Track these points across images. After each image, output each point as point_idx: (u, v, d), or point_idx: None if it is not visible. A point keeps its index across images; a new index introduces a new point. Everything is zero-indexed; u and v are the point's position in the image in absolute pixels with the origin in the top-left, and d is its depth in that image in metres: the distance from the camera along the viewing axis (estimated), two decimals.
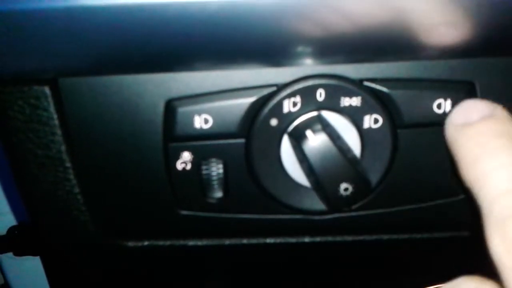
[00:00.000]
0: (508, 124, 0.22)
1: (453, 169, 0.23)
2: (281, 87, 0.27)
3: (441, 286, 0.22)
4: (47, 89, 0.28)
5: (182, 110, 0.27)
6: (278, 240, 0.33)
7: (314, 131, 0.27)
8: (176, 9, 0.23)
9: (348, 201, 0.29)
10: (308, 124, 0.28)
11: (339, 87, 0.27)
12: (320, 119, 0.28)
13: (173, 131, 0.28)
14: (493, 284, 0.20)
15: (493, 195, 0.20)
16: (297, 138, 0.28)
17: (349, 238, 0.32)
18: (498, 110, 0.23)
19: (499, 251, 0.19)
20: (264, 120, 0.28)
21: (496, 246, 0.19)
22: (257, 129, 0.28)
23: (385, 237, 0.33)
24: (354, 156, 0.28)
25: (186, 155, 0.29)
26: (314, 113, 0.28)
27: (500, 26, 0.25)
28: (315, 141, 0.27)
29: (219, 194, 0.30)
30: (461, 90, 0.28)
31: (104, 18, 0.23)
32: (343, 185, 0.28)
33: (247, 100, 0.27)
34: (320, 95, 0.27)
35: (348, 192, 0.28)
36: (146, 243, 0.33)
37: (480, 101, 0.24)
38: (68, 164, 0.30)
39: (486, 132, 0.22)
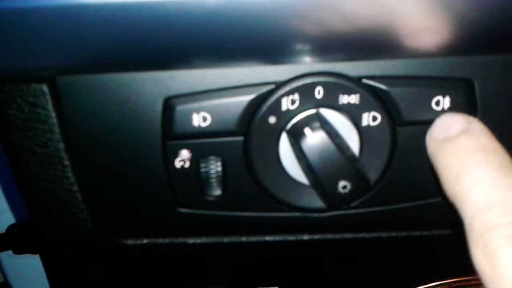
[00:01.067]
0: (484, 138, 0.23)
1: (436, 182, 0.24)
2: (279, 84, 0.27)
3: None
4: (45, 87, 0.28)
5: (181, 108, 0.27)
6: (277, 237, 0.33)
7: (312, 129, 0.27)
8: (174, 7, 0.23)
9: (346, 199, 0.29)
10: (306, 122, 0.28)
11: (337, 84, 0.27)
12: (318, 117, 0.28)
13: (171, 129, 0.28)
14: None
15: (473, 211, 0.21)
16: (296, 136, 0.28)
17: (347, 235, 0.32)
18: (475, 124, 0.24)
19: (481, 264, 0.20)
20: (263, 118, 0.28)
21: (478, 259, 0.20)
22: (255, 127, 0.28)
23: (384, 234, 0.33)
24: (352, 154, 0.28)
25: (185, 153, 0.29)
26: (313, 111, 0.28)
27: (499, 23, 0.25)
28: (314, 139, 0.27)
29: (217, 192, 0.30)
30: (460, 87, 0.28)
31: (102, 16, 0.23)
32: (342, 183, 0.28)
33: (245, 98, 0.27)
34: (319, 92, 0.27)
35: (346, 190, 0.28)
36: (145, 241, 0.33)
37: (458, 115, 0.25)
38: (66, 162, 0.30)
39: (464, 147, 0.23)
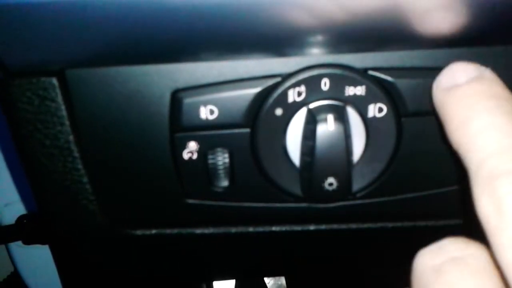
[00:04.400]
0: (496, 86, 0.22)
1: (444, 136, 0.23)
2: (285, 77, 0.28)
3: (427, 248, 0.22)
4: (54, 80, 0.28)
5: (188, 101, 0.28)
6: (284, 228, 0.33)
7: (335, 119, 0.27)
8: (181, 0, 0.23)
9: (326, 195, 0.29)
10: (333, 109, 0.28)
11: (343, 76, 0.28)
12: (344, 111, 0.28)
13: (179, 122, 0.28)
14: (478, 246, 0.20)
15: (481, 157, 0.19)
16: (316, 116, 0.28)
17: (353, 226, 0.33)
18: (487, 73, 0.23)
19: (487, 211, 0.18)
20: (269, 110, 0.28)
21: (484, 206, 0.19)
22: (262, 119, 0.28)
23: (390, 225, 0.33)
24: (352, 160, 0.29)
25: (192, 145, 0.29)
26: (341, 104, 0.28)
27: (504, 13, 0.25)
28: (332, 127, 0.27)
29: (225, 183, 0.30)
30: None
31: (110, 9, 0.23)
32: (330, 179, 0.28)
33: (252, 91, 0.28)
34: (325, 84, 0.28)
35: (330, 188, 0.28)
36: (153, 231, 0.33)
37: (468, 63, 0.24)
38: (76, 154, 0.30)
39: (474, 94, 0.22)
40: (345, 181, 0.29)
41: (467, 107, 0.21)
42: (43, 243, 0.59)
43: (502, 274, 0.18)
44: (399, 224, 0.33)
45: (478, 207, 0.19)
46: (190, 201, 0.31)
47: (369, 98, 0.28)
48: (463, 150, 0.21)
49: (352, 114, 0.28)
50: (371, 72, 0.28)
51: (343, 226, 0.33)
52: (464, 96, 0.22)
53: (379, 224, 0.33)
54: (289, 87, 0.28)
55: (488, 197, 0.18)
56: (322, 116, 0.27)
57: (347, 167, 0.28)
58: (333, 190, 0.29)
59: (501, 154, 0.19)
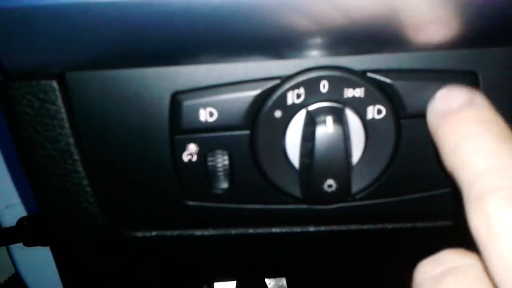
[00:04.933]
0: (485, 110, 0.23)
1: (436, 156, 0.24)
2: (284, 79, 0.28)
3: (425, 260, 0.23)
4: (54, 83, 0.28)
5: (188, 103, 0.28)
6: (283, 229, 0.33)
7: (334, 121, 0.28)
8: (181, 2, 0.23)
9: (325, 197, 0.29)
10: (332, 111, 0.28)
11: (342, 78, 0.28)
12: (343, 113, 0.28)
13: (179, 124, 0.28)
14: (475, 257, 0.21)
15: (472, 176, 0.21)
16: (316, 118, 0.28)
17: (353, 227, 0.33)
18: (477, 97, 0.24)
19: (478, 227, 0.20)
20: (269, 112, 0.28)
21: (475, 223, 0.20)
22: (261, 121, 0.28)
23: (389, 226, 0.33)
24: (351, 161, 0.29)
25: (192, 147, 0.29)
26: (340, 106, 0.28)
27: (503, 15, 0.25)
28: (331, 129, 0.27)
29: (224, 185, 0.30)
30: (464, 80, 0.28)
31: (110, 13, 0.24)
32: (330, 181, 0.28)
33: (251, 93, 0.28)
34: (324, 86, 0.28)
35: (329, 189, 0.29)
36: (153, 233, 0.33)
37: (460, 88, 0.25)
38: (76, 157, 0.30)
39: (465, 120, 0.23)
40: (344, 182, 0.29)
41: (459, 133, 0.23)
42: (44, 245, 0.59)
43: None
44: (398, 225, 0.33)
45: (470, 223, 0.20)
46: (190, 203, 0.31)
47: (368, 100, 0.28)
48: (456, 172, 0.22)
49: (351, 116, 0.28)
50: (369, 74, 0.28)
51: (343, 228, 0.33)
52: (456, 123, 0.23)
53: (378, 226, 0.33)
54: (288, 89, 0.28)
55: (478, 213, 0.20)
56: (321, 118, 0.28)
57: (346, 169, 0.28)
58: (333, 192, 0.29)
59: (489, 173, 0.20)
